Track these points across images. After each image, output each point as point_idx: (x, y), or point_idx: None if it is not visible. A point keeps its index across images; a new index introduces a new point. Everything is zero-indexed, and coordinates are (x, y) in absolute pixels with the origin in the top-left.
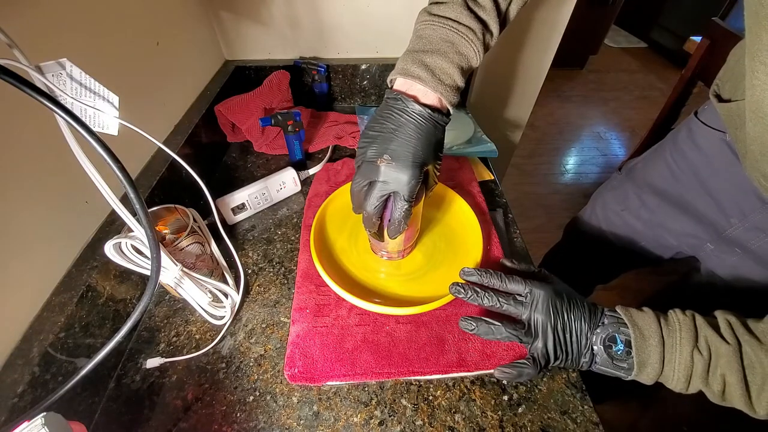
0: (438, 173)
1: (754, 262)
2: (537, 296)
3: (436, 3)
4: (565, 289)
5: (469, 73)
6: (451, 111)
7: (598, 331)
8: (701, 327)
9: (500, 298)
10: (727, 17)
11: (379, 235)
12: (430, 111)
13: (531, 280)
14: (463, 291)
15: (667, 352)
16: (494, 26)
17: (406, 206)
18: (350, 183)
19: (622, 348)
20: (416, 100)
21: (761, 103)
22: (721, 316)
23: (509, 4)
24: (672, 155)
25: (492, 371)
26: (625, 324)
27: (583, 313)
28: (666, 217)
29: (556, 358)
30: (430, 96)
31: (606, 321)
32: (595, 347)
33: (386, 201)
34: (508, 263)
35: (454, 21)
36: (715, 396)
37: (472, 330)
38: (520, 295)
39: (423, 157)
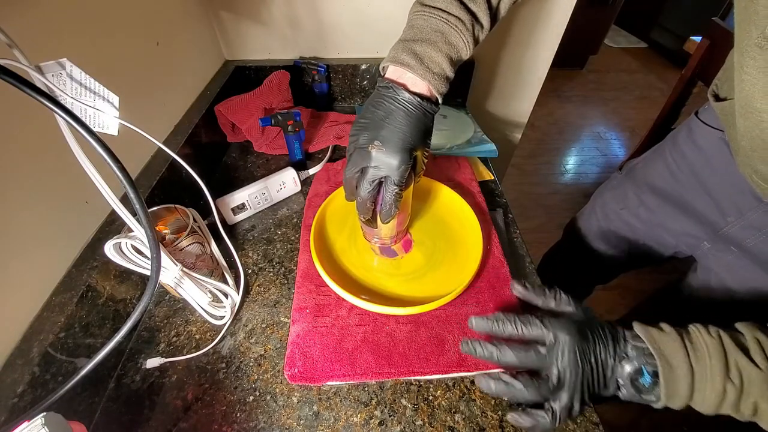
0: (426, 160)
1: (749, 260)
2: (562, 344)
3: None
4: (586, 320)
5: (458, 64)
6: (440, 100)
7: (623, 363)
8: (730, 351)
9: (518, 353)
10: (727, 17)
11: (372, 221)
12: (419, 99)
13: (550, 319)
14: (474, 351)
15: (697, 382)
16: (484, 18)
17: (396, 190)
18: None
19: (649, 380)
20: (406, 89)
21: (750, 98)
22: (749, 333)
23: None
24: (672, 154)
25: (492, 371)
26: (651, 353)
27: (607, 347)
28: (664, 216)
29: (581, 406)
30: (419, 84)
31: (630, 352)
32: (620, 380)
33: (378, 187)
34: (519, 288)
35: (444, 11)
36: (743, 418)
37: (491, 392)
38: (542, 344)
39: (412, 142)
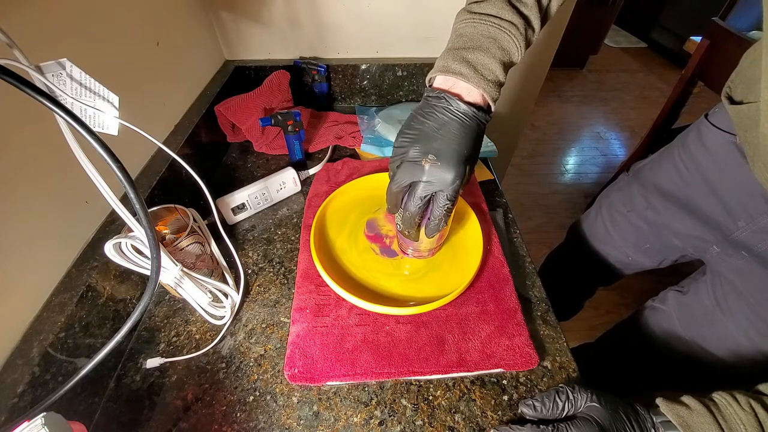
0: (473, 171)
1: (760, 265)
2: None
3: (476, 2)
4: (609, 416)
5: (509, 68)
6: (493, 108)
7: None
8: (767, 425)
9: None
10: (727, 17)
11: (415, 234)
12: (474, 109)
13: (571, 429)
14: None
15: None
16: (536, 22)
17: (448, 205)
18: (353, 181)
19: None
20: (461, 99)
21: None
22: None
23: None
24: (681, 157)
25: (492, 371)
26: None
27: None
28: (672, 218)
29: None
30: (473, 93)
31: None
32: None
33: (428, 201)
34: (528, 412)
35: (496, 17)
36: None
37: None
38: None
39: (467, 155)
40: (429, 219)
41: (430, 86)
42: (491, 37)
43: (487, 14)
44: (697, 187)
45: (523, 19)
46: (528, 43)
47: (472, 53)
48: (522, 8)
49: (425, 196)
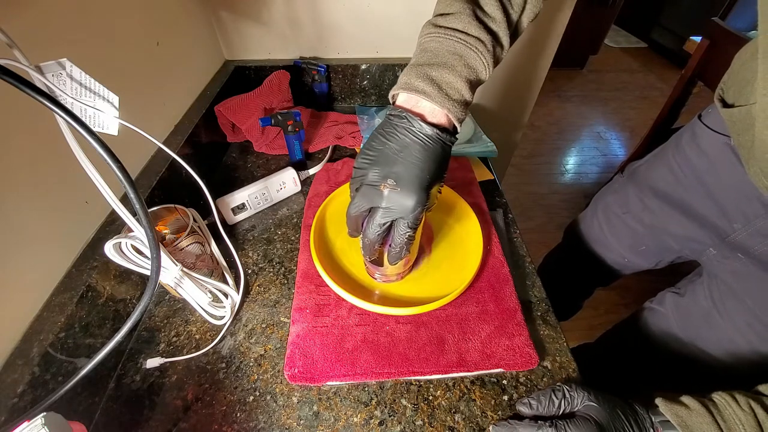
0: (440, 193)
1: (756, 267)
2: None
3: (442, 15)
4: (607, 414)
5: (477, 87)
6: (459, 129)
7: None
8: (766, 426)
9: None
10: (727, 17)
11: (378, 260)
12: (438, 131)
13: (569, 428)
14: None
15: None
16: (505, 38)
17: (409, 233)
18: (348, 184)
19: None
20: (423, 119)
21: None
22: None
23: (520, 15)
24: (675, 158)
25: (492, 371)
26: None
27: None
28: (668, 220)
29: None
30: (437, 114)
31: None
32: None
33: (388, 228)
34: (525, 411)
35: (462, 32)
36: None
37: None
38: None
39: (429, 180)
40: (390, 246)
41: (393, 103)
42: (457, 54)
43: (453, 29)
44: (692, 188)
45: (490, 35)
46: (497, 61)
47: (437, 70)
48: (490, 23)
49: (384, 223)
